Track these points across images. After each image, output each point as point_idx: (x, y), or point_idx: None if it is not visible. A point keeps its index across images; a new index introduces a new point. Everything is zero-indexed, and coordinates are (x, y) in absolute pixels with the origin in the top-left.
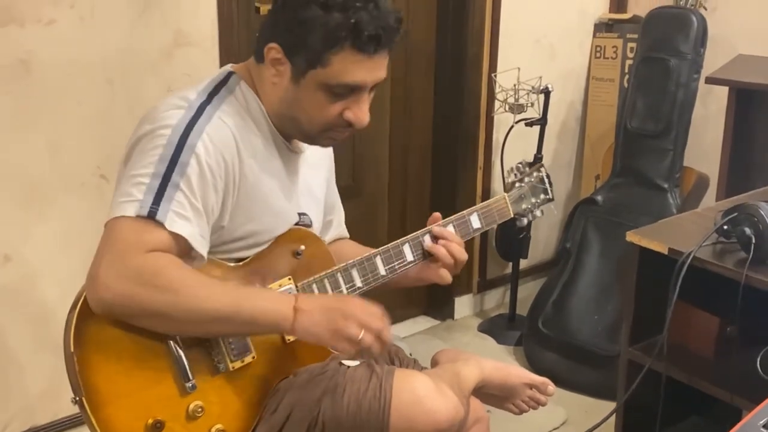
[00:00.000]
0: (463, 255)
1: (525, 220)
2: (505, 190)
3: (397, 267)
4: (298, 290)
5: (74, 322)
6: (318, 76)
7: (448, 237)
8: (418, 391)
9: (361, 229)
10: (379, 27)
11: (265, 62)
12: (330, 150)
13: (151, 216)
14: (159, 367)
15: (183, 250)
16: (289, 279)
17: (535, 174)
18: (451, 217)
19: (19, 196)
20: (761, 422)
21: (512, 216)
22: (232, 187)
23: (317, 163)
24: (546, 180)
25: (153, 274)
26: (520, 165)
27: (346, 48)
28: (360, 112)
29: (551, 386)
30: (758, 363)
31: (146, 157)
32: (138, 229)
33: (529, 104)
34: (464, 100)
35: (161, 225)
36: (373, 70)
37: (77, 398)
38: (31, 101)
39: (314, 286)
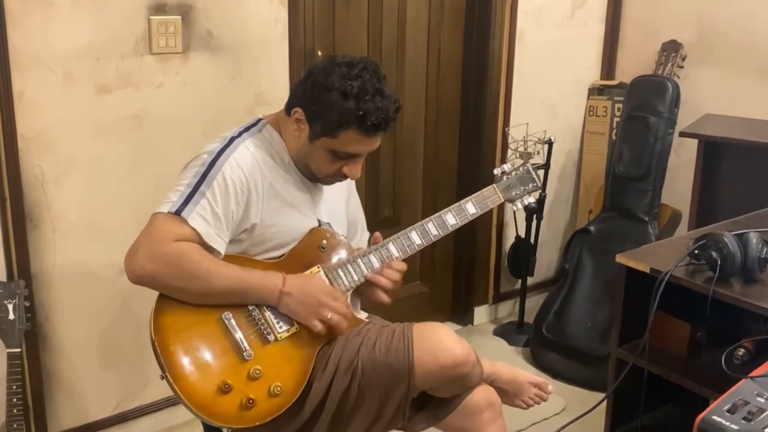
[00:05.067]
0: (396, 276)
1: (519, 204)
2: (494, 182)
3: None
4: (325, 274)
5: (152, 316)
6: (327, 143)
7: (391, 269)
8: (438, 333)
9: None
10: (380, 117)
11: (291, 118)
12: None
13: (179, 213)
14: (221, 342)
15: (203, 243)
16: (318, 267)
17: (521, 168)
18: (448, 207)
19: (130, 223)
20: (725, 407)
21: (503, 201)
22: (255, 198)
23: (336, 187)
24: (532, 171)
25: (177, 257)
26: (508, 165)
27: (352, 129)
28: (354, 170)
29: (551, 386)
30: (723, 361)
31: (188, 173)
32: (168, 223)
33: (536, 152)
34: (483, 149)
35: (185, 221)
36: (369, 145)
37: (163, 375)
38: (143, 147)
39: (339, 270)
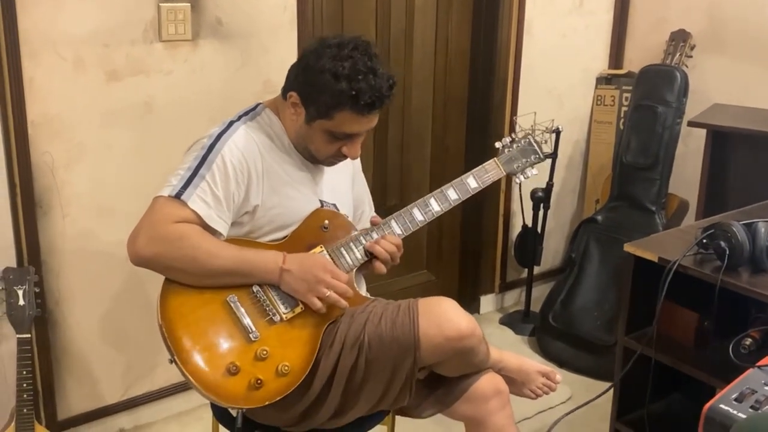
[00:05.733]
0: (392, 248)
1: (521, 177)
2: (495, 156)
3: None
4: (328, 254)
5: (159, 300)
6: (323, 125)
7: (386, 239)
8: (444, 306)
9: (406, 236)
10: (374, 96)
11: (287, 102)
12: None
13: (179, 196)
14: (228, 324)
15: (204, 225)
16: (321, 247)
17: (523, 140)
18: (451, 182)
19: (140, 209)
20: (733, 396)
21: (504, 174)
22: (255, 180)
23: (340, 167)
24: (534, 143)
25: (177, 238)
26: (509, 138)
27: (347, 110)
28: (353, 150)
29: (559, 375)
30: (731, 350)
31: (188, 157)
32: (169, 205)
33: (543, 141)
34: (491, 138)
35: (186, 204)
36: (365, 124)
37: (172, 358)
38: (151, 134)
39: (342, 249)
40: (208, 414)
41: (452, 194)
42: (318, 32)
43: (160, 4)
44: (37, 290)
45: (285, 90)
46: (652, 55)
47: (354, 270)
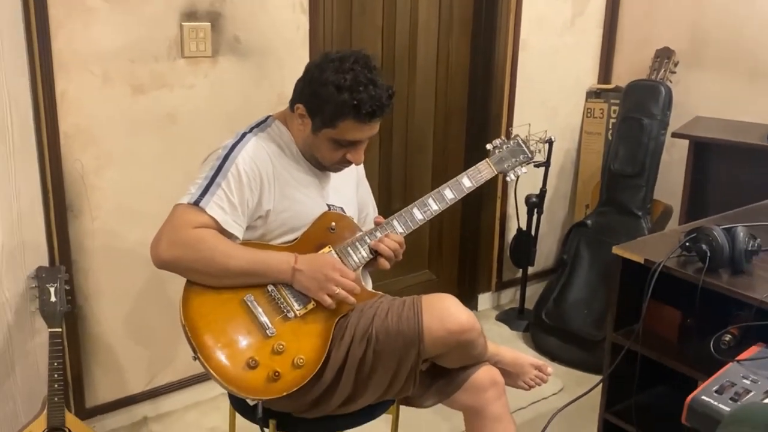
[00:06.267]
0: (395, 245)
1: (512, 175)
2: (487, 157)
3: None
4: (336, 253)
5: (181, 301)
6: (329, 133)
7: (388, 238)
8: (446, 302)
9: (409, 238)
10: (375, 105)
11: (295, 114)
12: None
13: (197, 203)
14: (246, 322)
15: (221, 230)
16: (329, 248)
17: (512, 141)
18: (447, 182)
19: (163, 213)
20: (714, 388)
21: (496, 173)
22: (267, 186)
23: (345, 173)
24: (522, 144)
25: (196, 242)
26: (499, 140)
27: (350, 119)
28: (357, 156)
29: (550, 368)
30: (711, 346)
31: (205, 167)
32: (188, 212)
33: (537, 151)
34: None
35: (204, 210)
36: (367, 131)
37: (195, 355)
38: (174, 144)
39: (349, 248)
40: (226, 403)
41: (449, 194)
42: (328, 49)
43: (183, 23)
44: (68, 287)
45: (292, 102)
46: (639, 71)
47: (360, 268)
